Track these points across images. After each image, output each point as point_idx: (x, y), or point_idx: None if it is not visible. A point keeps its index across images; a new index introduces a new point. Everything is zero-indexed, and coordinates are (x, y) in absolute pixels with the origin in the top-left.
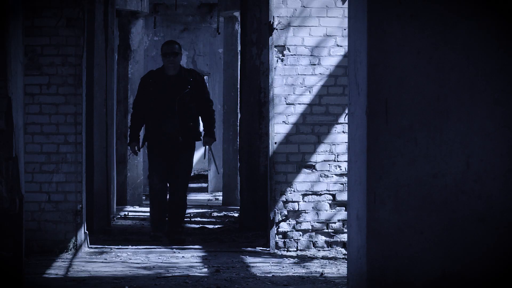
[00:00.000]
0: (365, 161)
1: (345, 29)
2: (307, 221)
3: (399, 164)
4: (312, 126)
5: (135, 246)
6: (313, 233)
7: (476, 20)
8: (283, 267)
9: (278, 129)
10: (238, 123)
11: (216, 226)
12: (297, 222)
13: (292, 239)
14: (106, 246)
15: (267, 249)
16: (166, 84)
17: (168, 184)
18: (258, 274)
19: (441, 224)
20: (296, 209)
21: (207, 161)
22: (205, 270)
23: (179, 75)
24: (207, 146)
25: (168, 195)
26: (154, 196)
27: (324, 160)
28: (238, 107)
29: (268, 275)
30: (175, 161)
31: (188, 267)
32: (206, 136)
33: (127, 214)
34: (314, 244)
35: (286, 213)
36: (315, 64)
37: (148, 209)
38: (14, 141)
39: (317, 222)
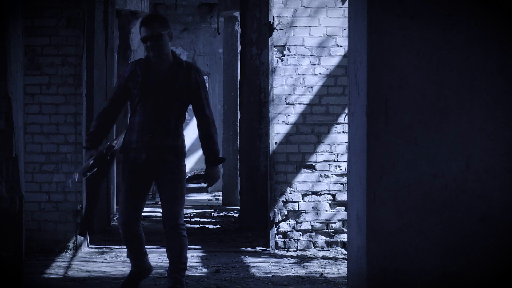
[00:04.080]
0: (365, 161)
1: (345, 29)
2: (307, 221)
3: (399, 164)
4: (312, 126)
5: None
6: (313, 233)
7: (476, 20)
8: (283, 267)
9: (278, 129)
10: (238, 123)
11: (216, 226)
12: (297, 222)
13: (292, 239)
14: (106, 246)
15: (267, 249)
16: (149, 80)
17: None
18: (258, 274)
19: (441, 224)
20: (296, 209)
21: None
22: (205, 270)
23: (169, 68)
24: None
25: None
26: (123, 237)
27: (324, 160)
28: (238, 107)
29: (268, 275)
30: (161, 187)
31: (188, 267)
32: (210, 167)
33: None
34: (314, 244)
35: (286, 213)
36: (315, 64)
37: (148, 209)
38: (14, 141)
39: (317, 222)
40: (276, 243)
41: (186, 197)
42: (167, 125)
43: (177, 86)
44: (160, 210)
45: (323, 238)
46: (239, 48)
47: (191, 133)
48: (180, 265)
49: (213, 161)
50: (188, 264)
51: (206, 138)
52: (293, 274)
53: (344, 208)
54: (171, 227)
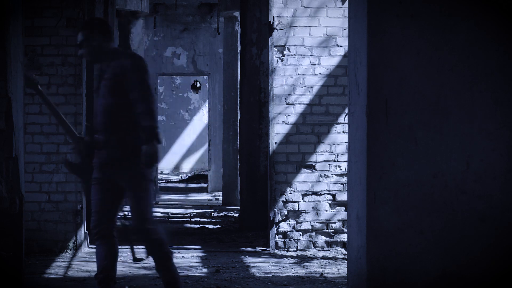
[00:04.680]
0: (365, 161)
1: (345, 29)
2: (307, 221)
3: (399, 164)
4: (312, 126)
5: (135, 246)
6: (313, 233)
7: (476, 20)
8: (283, 267)
9: (278, 129)
10: (238, 123)
11: (216, 226)
12: (297, 222)
13: (292, 239)
14: None
15: (267, 249)
16: (97, 84)
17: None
18: (258, 274)
19: (441, 224)
20: (296, 209)
21: (207, 161)
22: (205, 270)
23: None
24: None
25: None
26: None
27: (324, 160)
28: (238, 107)
29: (268, 275)
30: (125, 191)
31: (188, 267)
32: (145, 144)
33: (127, 214)
34: (314, 244)
35: (286, 213)
36: (315, 64)
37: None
38: (14, 141)
39: (317, 222)
40: (276, 243)
41: (186, 197)
42: (113, 122)
43: (107, 81)
44: (155, 209)
45: (323, 238)
46: (239, 48)
47: (191, 133)
48: (164, 260)
49: (144, 138)
50: (188, 264)
51: (139, 116)
52: (293, 274)
53: (344, 208)
54: (139, 231)
